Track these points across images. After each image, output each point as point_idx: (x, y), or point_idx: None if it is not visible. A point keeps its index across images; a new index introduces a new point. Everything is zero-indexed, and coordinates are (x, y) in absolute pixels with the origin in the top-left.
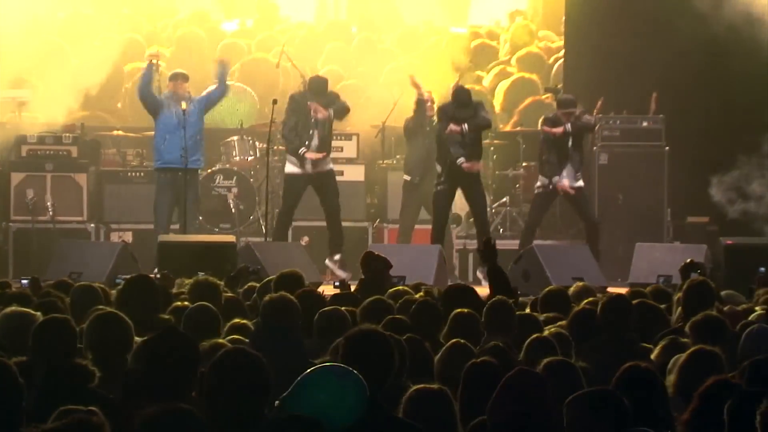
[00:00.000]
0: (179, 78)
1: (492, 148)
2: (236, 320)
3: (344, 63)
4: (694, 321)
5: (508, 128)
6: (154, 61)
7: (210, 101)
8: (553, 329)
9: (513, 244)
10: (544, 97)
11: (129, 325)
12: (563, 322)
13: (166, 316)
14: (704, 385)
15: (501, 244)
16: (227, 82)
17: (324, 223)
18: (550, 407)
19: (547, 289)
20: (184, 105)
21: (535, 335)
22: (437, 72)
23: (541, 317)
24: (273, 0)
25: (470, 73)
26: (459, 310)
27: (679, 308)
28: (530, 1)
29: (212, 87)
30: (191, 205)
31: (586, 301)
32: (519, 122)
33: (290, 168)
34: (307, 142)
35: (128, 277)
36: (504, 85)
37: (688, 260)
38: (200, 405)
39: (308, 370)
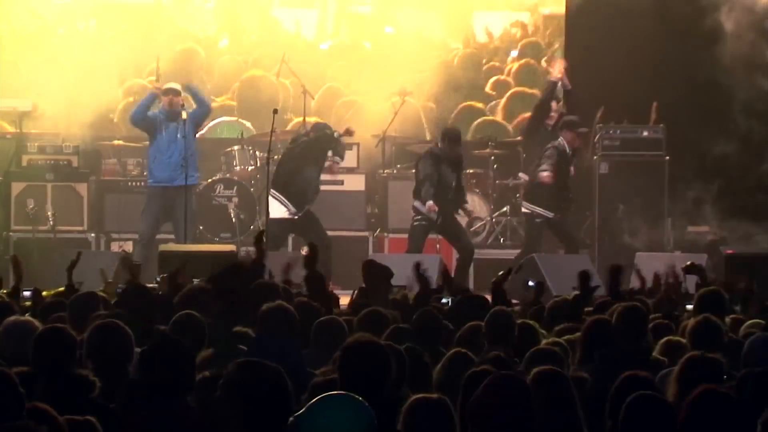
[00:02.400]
0: (171, 93)
1: (492, 158)
2: (238, 328)
3: (345, 80)
4: (693, 325)
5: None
6: (156, 92)
7: (196, 122)
8: (551, 339)
9: (514, 253)
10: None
11: (129, 334)
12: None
13: (162, 327)
14: (693, 394)
15: (501, 254)
16: (205, 100)
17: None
18: (532, 414)
19: (552, 300)
20: (184, 115)
21: (535, 347)
22: (442, 91)
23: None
24: (274, 16)
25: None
26: (472, 323)
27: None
28: (531, 17)
29: (196, 107)
30: (189, 221)
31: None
32: (511, 136)
33: None
34: None
35: (124, 286)
36: (504, 98)
37: (689, 262)
38: (197, 411)
39: (323, 395)
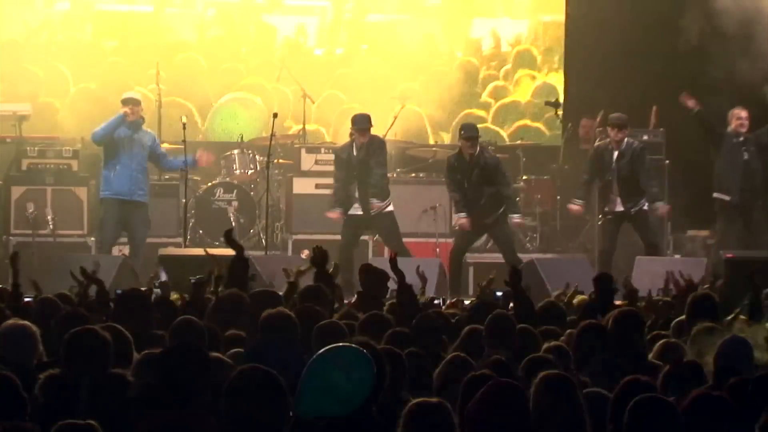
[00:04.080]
0: (132, 102)
1: None
2: (233, 331)
3: (345, 88)
4: (696, 331)
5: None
6: (127, 115)
7: (156, 158)
8: (552, 343)
9: None
10: (527, 120)
11: (129, 339)
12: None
13: (160, 332)
14: (687, 399)
15: (501, 258)
16: (184, 168)
17: (325, 236)
18: (530, 422)
19: (544, 301)
20: (145, 135)
21: (533, 354)
22: (443, 98)
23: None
24: (271, 23)
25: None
26: (473, 325)
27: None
28: (530, 23)
29: (173, 159)
30: (141, 239)
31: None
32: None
33: None
34: None
35: (121, 291)
36: (494, 106)
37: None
38: (209, 417)
39: (318, 353)
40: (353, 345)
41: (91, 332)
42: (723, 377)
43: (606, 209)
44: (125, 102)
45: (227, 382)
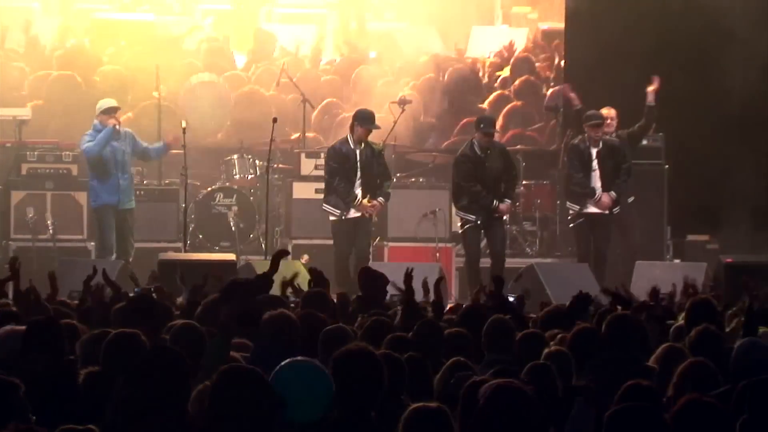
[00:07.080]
0: (115, 111)
1: None
2: (235, 339)
3: (343, 96)
4: (692, 335)
5: None
6: (117, 127)
7: (141, 153)
8: (553, 348)
9: (513, 262)
10: (528, 130)
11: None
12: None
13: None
14: (678, 403)
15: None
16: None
17: (324, 241)
18: (536, 423)
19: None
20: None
21: (534, 362)
22: (442, 105)
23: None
24: (270, 31)
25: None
26: (452, 329)
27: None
28: (530, 32)
29: (151, 148)
30: (132, 244)
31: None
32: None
33: None
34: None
35: (131, 295)
36: (501, 114)
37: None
38: (193, 422)
39: (277, 367)
40: (310, 360)
41: (130, 335)
42: (738, 379)
43: None
44: (108, 111)
45: (211, 383)
